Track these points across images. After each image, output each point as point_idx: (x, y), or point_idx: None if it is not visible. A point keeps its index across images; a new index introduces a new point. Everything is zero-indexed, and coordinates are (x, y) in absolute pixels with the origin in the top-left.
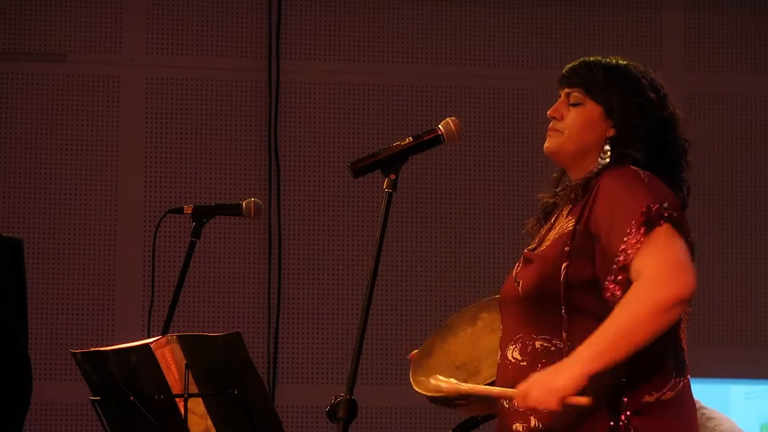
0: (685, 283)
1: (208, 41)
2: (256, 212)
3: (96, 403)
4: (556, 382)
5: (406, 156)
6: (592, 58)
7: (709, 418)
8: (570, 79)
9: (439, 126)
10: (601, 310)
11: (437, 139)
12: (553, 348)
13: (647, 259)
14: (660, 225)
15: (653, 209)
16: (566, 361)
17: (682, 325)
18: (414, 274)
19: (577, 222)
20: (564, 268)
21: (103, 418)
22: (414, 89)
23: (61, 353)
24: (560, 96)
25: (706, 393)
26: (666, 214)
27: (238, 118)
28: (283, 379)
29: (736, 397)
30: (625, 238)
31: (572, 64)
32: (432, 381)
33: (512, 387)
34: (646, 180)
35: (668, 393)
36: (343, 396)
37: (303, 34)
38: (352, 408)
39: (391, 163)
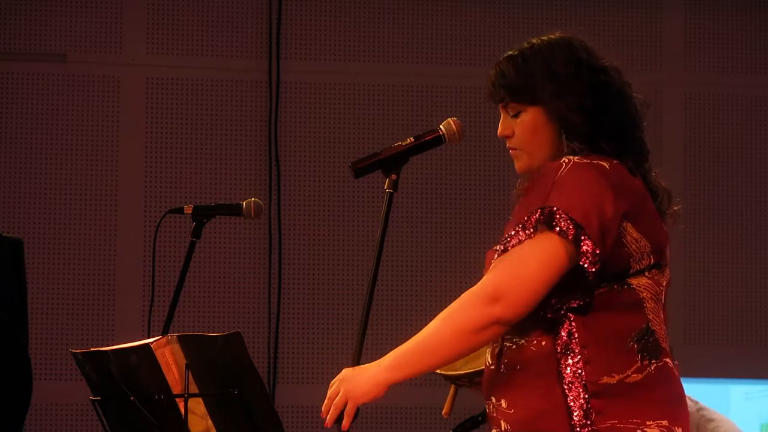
0: (506, 307)
1: (208, 41)
2: (257, 212)
3: (96, 403)
4: (356, 389)
5: (407, 156)
6: (502, 59)
7: (709, 420)
8: (495, 94)
9: (440, 126)
10: (544, 308)
11: (438, 140)
12: (514, 346)
13: (497, 267)
14: (532, 236)
15: (532, 218)
16: (372, 366)
17: (648, 305)
18: (415, 275)
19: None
20: None
21: (103, 418)
22: (414, 89)
23: (61, 353)
24: (500, 111)
25: (706, 393)
26: (545, 220)
27: (239, 118)
28: (283, 379)
29: (737, 397)
30: (505, 240)
31: (491, 73)
32: None
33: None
34: (563, 174)
35: (634, 376)
36: None
37: (303, 34)
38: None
39: (392, 163)
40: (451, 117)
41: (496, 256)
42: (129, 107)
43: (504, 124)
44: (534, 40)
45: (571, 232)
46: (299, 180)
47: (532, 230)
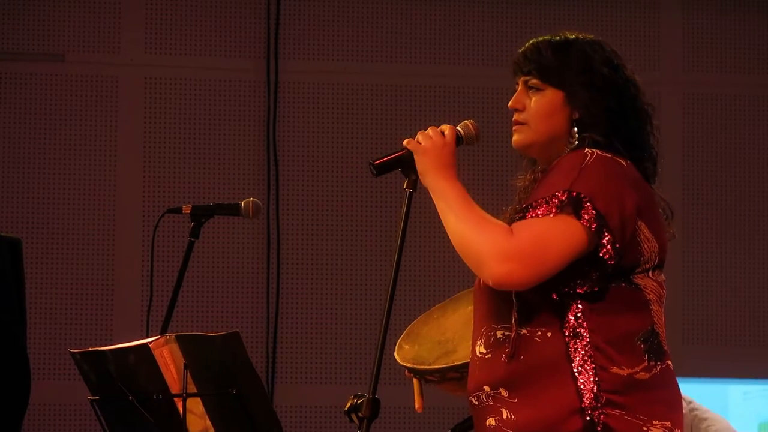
0: (509, 271)
1: (206, 41)
2: (255, 212)
3: (95, 403)
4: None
5: None
6: (540, 39)
7: (702, 419)
8: (523, 66)
9: (458, 128)
10: (551, 288)
11: (457, 140)
12: (513, 335)
13: (520, 231)
14: (557, 214)
15: (558, 195)
16: (445, 168)
17: (654, 307)
18: (421, 275)
19: None
20: None
21: (102, 417)
22: (414, 89)
23: (61, 353)
24: (518, 84)
25: (705, 393)
26: (570, 203)
27: (237, 118)
28: (281, 379)
29: (735, 397)
30: (530, 209)
31: (523, 48)
32: (406, 347)
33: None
34: (589, 163)
35: (642, 374)
36: (366, 395)
37: (302, 33)
38: (375, 407)
39: (411, 162)
40: (468, 119)
41: (526, 207)
42: (127, 107)
43: (518, 97)
44: (577, 34)
45: (594, 223)
46: (297, 180)
47: (555, 209)
